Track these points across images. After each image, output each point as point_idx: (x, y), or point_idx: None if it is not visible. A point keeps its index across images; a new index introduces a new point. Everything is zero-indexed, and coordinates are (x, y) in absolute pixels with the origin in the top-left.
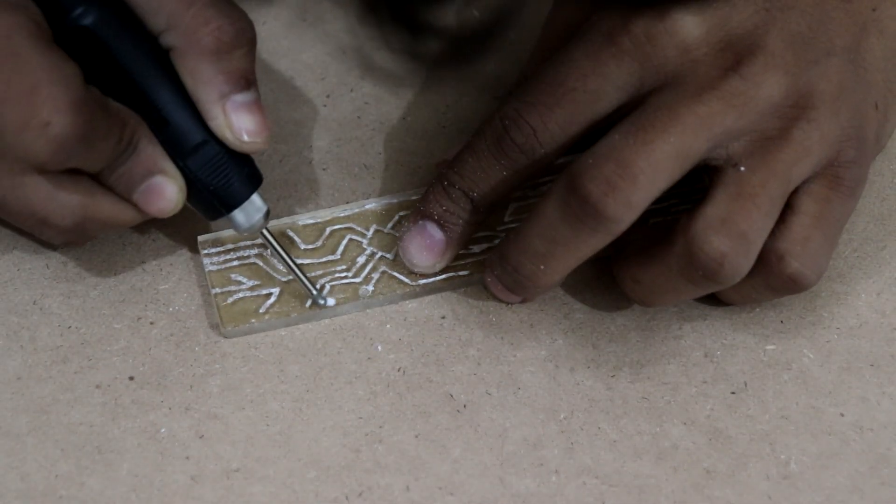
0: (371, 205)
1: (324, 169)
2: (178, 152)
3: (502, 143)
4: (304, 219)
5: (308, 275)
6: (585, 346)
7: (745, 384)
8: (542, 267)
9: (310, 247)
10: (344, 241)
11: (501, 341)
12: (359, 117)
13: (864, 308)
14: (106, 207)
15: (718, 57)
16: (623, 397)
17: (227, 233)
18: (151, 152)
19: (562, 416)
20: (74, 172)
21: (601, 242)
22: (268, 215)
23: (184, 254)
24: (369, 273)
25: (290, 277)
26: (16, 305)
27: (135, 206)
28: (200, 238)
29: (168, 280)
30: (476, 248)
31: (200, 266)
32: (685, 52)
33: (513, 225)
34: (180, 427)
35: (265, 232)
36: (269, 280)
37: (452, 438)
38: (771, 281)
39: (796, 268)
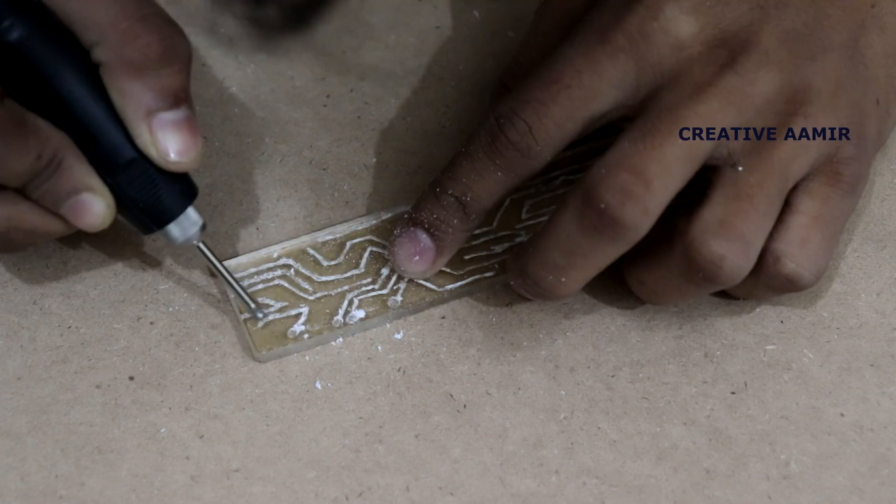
0: (387, 216)
1: (324, 169)
2: (107, 169)
3: (497, 142)
4: (323, 235)
5: (247, 290)
6: (585, 346)
7: (745, 384)
8: (562, 279)
9: (332, 263)
10: (366, 254)
11: (501, 341)
12: (359, 117)
13: (864, 308)
14: (32, 219)
15: (713, 54)
16: (623, 397)
17: (247, 257)
18: (77, 170)
19: (562, 416)
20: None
21: (620, 251)
22: (203, 228)
23: (184, 254)
24: (395, 283)
25: (318, 295)
26: (16, 305)
27: (62, 219)
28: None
29: (168, 280)
30: (498, 248)
31: (201, 266)
32: (679, 49)
33: (530, 222)
34: (180, 427)
35: (201, 245)
36: (297, 300)
37: (452, 438)
38: (769, 280)
39: (793, 269)
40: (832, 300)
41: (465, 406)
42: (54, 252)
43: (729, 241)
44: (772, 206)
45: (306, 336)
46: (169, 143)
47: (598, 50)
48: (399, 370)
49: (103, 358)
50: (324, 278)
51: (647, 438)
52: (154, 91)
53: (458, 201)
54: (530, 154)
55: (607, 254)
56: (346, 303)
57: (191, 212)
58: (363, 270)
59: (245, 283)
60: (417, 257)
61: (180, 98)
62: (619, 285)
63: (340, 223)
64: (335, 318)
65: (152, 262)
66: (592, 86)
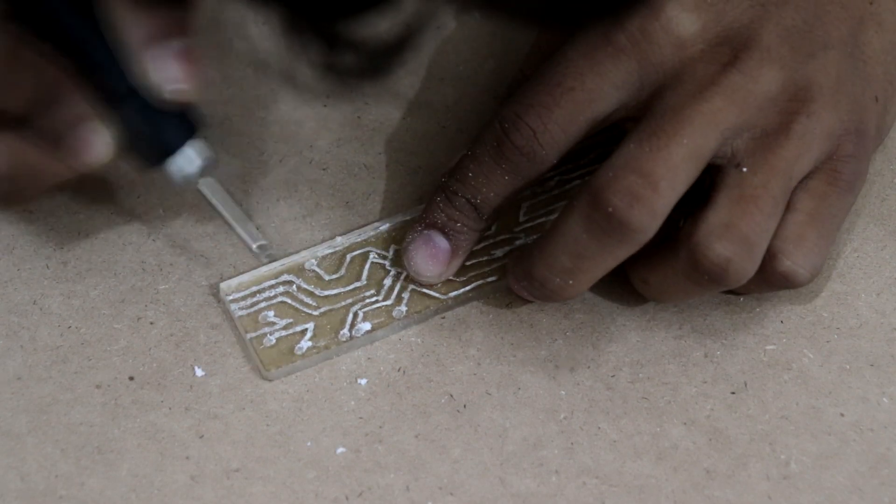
0: (384, 226)
1: (324, 169)
2: (106, 101)
3: (502, 147)
4: (323, 249)
5: (249, 227)
6: (585, 346)
7: (745, 384)
8: (569, 281)
9: (334, 277)
10: (367, 266)
11: (501, 341)
12: (359, 117)
13: (864, 308)
14: (35, 156)
15: (715, 53)
16: (623, 397)
17: (248, 275)
18: (77, 101)
19: (562, 416)
20: (4, 124)
21: (628, 253)
22: (207, 167)
23: (183, 254)
24: (399, 293)
25: (323, 310)
26: (16, 305)
27: (67, 157)
28: (223, 285)
29: (168, 280)
30: (498, 252)
31: (201, 266)
32: (681, 48)
33: (528, 224)
34: (180, 427)
35: (202, 186)
36: (301, 316)
37: (452, 438)
38: (765, 277)
39: (788, 266)
40: (832, 300)
41: (465, 406)
42: (54, 252)
43: (734, 243)
44: (776, 207)
45: (314, 352)
46: (165, 74)
47: (600, 51)
48: (399, 370)
49: (103, 358)
50: (326, 292)
51: (647, 438)
52: (152, 21)
53: (470, 203)
54: (536, 158)
55: (615, 256)
56: (351, 316)
57: (191, 149)
58: (365, 282)
59: (247, 301)
60: (433, 259)
61: (179, 28)
62: (618, 285)
63: (340, 235)
64: (342, 332)
65: (152, 262)
66: (595, 87)
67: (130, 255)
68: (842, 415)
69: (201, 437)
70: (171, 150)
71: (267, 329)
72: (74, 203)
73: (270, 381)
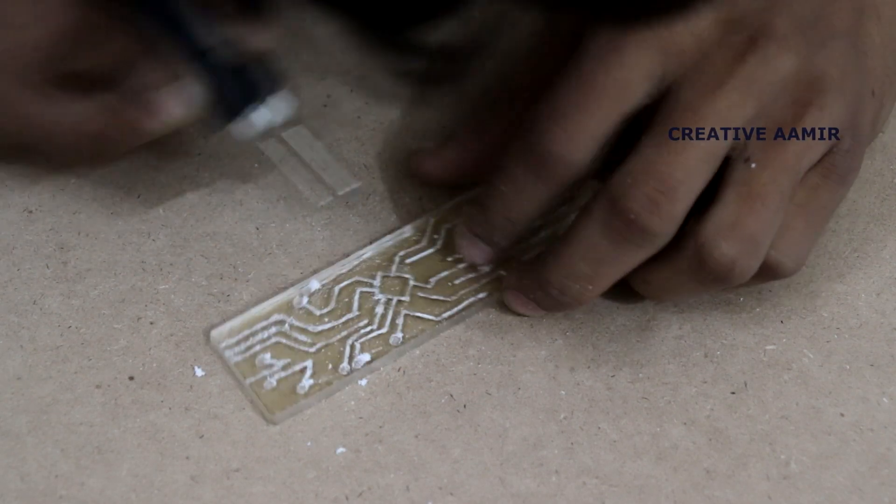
0: (368, 253)
1: (324, 169)
2: (193, 55)
3: (534, 156)
4: (313, 284)
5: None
6: (585, 346)
7: (745, 384)
8: (589, 287)
9: (325, 310)
10: (356, 296)
11: (501, 341)
12: (359, 117)
13: (864, 308)
14: (125, 115)
15: (731, 42)
16: (623, 397)
17: (238, 319)
18: (164, 61)
19: (562, 416)
20: (94, 86)
21: (646, 256)
22: (289, 118)
23: (183, 254)
24: (393, 320)
25: (319, 346)
26: (16, 305)
27: (157, 113)
28: (214, 333)
29: (168, 280)
30: (486, 268)
31: (200, 266)
32: (698, 37)
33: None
34: (180, 427)
35: (287, 136)
36: (298, 355)
37: (452, 438)
38: None
39: (773, 256)
40: (832, 300)
41: (465, 406)
42: (54, 252)
43: (740, 243)
44: (783, 202)
45: (317, 390)
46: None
47: (623, 43)
48: (399, 370)
49: (103, 358)
50: (320, 328)
51: (647, 438)
52: None
53: (505, 217)
54: (571, 160)
55: (634, 260)
56: (348, 348)
57: (277, 99)
58: (358, 313)
59: (242, 346)
60: (481, 255)
61: None
62: (618, 285)
63: (324, 269)
64: (341, 366)
65: (152, 262)
66: (623, 78)
67: (130, 255)
68: (842, 415)
69: (201, 437)
70: (256, 98)
71: (266, 372)
72: (74, 203)
73: (276, 424)
